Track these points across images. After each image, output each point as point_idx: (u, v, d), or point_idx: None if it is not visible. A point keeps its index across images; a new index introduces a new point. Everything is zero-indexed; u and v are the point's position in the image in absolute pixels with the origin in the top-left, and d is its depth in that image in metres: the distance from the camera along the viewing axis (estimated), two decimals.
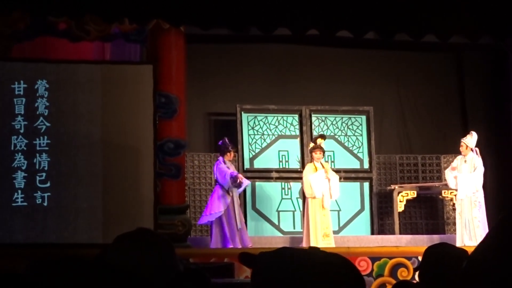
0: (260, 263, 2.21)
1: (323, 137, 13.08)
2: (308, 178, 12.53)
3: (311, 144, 13.02)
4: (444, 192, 13.41)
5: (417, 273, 3.30)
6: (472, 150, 12.52)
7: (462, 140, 12.65)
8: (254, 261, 2.22)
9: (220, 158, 12.47)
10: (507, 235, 1.93)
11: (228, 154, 12.48)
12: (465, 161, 12.54)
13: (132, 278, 1.39)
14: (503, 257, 1.91)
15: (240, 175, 12.38)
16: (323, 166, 12.72)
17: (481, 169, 12.41)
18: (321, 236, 12.24)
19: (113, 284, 1.36)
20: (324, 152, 12.91)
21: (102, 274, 1.38)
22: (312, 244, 12.11)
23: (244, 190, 14.03)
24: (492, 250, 1.95)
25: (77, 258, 1.36)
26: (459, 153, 12.87)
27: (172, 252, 2.39)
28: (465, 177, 12.46)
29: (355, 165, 14.60)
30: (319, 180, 12.50)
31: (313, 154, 12.75)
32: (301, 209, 13.89)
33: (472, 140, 12.52)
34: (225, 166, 12.31)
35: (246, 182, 12.50)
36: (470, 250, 3.39)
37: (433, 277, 2.99)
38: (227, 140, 12.58)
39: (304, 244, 12.20)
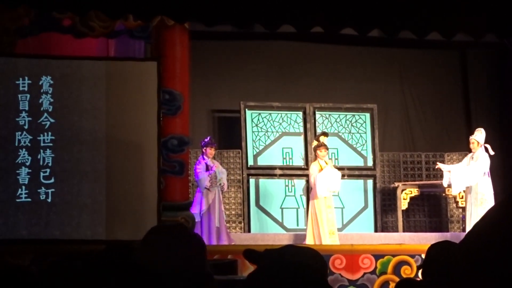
0: (265, 260, 2.22)
1: (325, 134, 13.04)
2: (315, 177, 12.46)
3: (315, 142, 12.96)
4: (448, 190, 13.38)
5: (420, 271, 3.30)
6: (481, 146, 12.45)
7: (473, 138, 12.49)
8: (259, 258, 2.23)
9: (201, 157, 12.60)
10: (501, 217, 1.94)
11: (204, 150, 12.57)
12: (472, 158, 12.45)
13: (159, 275, 1.38)
14: (495, 238, 1.91)
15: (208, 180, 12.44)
16: (326, 164, 12.69)
17: (480, 163, 12.31)
18: (328, 234, 12.21)
19: (139, 281, 1.36)
20: (328, 149, 12.88)
21: (129, 271, 1.37)
22: (323, 241, 12.07)
23: (248, 187, 14.06)
24: (486, 231, 1.95)
25: (101, 254, 1.35)
26: (466, 150, 12.81)
27: (203, 252, 2.37)
28: (458, 170, 12.40)
29: (359, 162, 14.60)
30: (326, 177, 12.44)
31: (318, 152, 12.70)
32: (306, 206, 13.91)
33: (482, 136, 12.46)
34: (203, 166, 12.40)
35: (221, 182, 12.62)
36: None
37: (437, 275, 2.99)
38: (207, 138, 12.73)
39: (308, 242, 12.19)
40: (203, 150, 12.62)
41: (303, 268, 2.13)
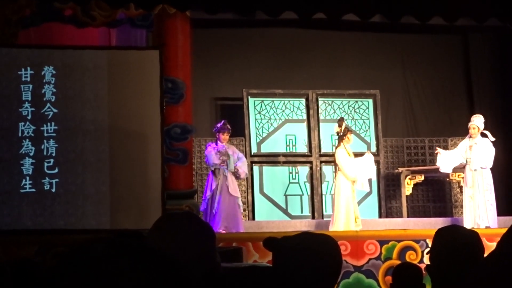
0: (284, 247, 2.24)
1: (343, 119, 12.89)
2: (353, 161, 12.35)
3: (339, 128, 12.62)
4: (452, 175, 13.34)
5: (427, 255, 3.31)
6: (479, 132, 12.33)
7: (473, 123, 12.23)
8: (277, 245, 2.25)
9: (214, 143, 12.29)
10: None
11: (218, 136, 12.24)
12: (476, 143, 12.27)
13: (171, 262, 1.37)
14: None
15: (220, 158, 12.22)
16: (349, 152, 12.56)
17: (491, 148, 12.21)
18: (353, 220, 12.08)
19: (150, 268, 1.35)
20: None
21: (141, 256, 1.36)
22: (346, 227, 11.91)
23: (252, 175, 14.05)
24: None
25: (114, 241, 1.33)
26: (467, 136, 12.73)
27: (214, 243, 2.36)
28: (479, 150, 12.19)
29: (362, 148, 14.58)
30: (360, 163, 12.39)
31: (349, 135, 12.47)
32: (309, 193, 13.93)
33: (481, 121, 12.30)
34: (214, 148, 12.16)
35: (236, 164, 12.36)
36: (481, 232, 3.39)
37: (445, 259, 2.99)
38: (219, 123, 12.38)
39: (336, 228, 11.96)
40: (217, 136, 12.33)
41: (319, 257, 2.13)
